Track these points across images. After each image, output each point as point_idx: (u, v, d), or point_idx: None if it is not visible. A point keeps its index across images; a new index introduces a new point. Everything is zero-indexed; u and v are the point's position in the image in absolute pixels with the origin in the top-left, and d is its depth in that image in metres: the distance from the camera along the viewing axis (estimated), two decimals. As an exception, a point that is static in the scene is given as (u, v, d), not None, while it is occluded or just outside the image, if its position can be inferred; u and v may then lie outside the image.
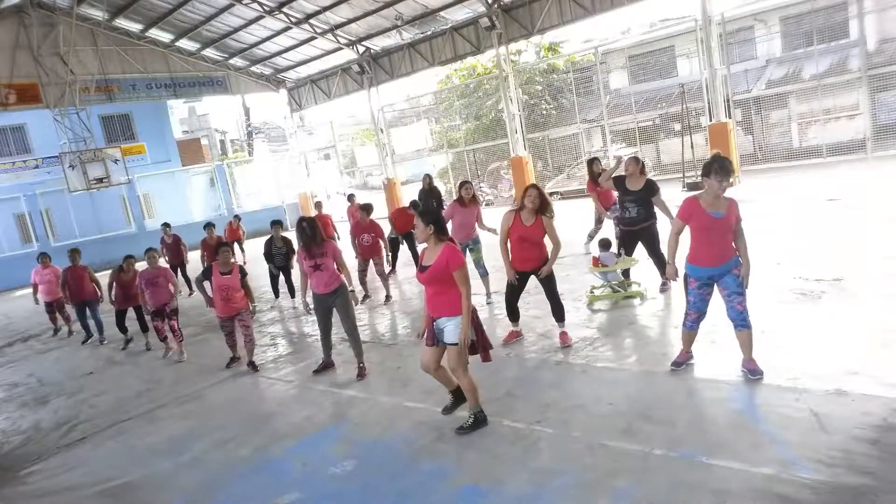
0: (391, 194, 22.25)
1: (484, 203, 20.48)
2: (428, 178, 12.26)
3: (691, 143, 15.60)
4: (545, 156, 21.61)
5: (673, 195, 14.53)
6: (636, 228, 6.97)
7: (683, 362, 4.80)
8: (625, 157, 8.05)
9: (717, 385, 4.47)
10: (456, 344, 4.22)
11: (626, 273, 7.25)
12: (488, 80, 23.71)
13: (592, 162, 9.56)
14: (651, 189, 6.91)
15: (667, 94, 20.11)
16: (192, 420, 5.74)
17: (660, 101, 20.03)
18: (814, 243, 7.91)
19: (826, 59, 17.15)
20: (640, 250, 7.17)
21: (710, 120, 14.92)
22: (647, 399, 4.45)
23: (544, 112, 23.56)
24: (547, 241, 5.70)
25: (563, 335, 5.89)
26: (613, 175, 7.49)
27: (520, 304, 6.11)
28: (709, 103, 14.92)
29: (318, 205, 13.99)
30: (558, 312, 5.88)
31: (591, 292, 7.21)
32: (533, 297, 7.66)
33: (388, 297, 9.11)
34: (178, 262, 12.48)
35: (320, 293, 5.99)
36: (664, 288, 6.96)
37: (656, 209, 6.98)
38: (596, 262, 7.05)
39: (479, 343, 4.35)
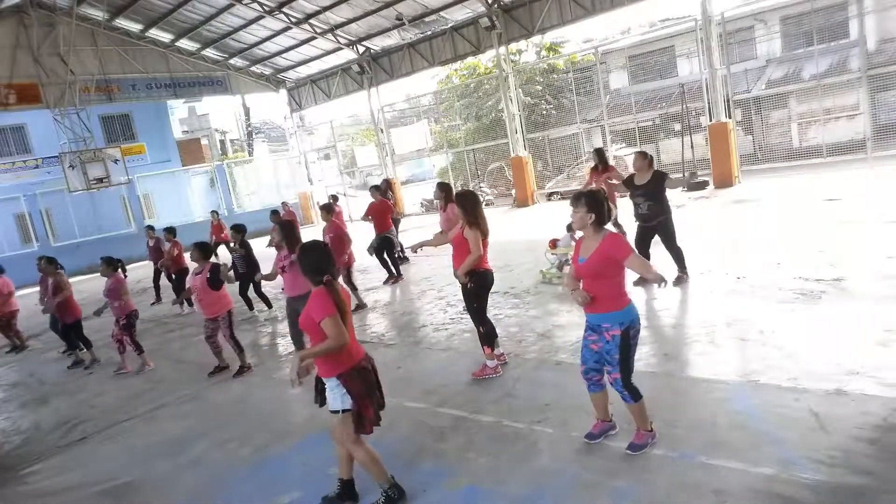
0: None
1: (484, 203, 20.50)
2: (385, 184, 11.81)
3: (691, 143, 15.61)
4: (545, 156, 21.61)
5: (672, 195, 14.58)
6: (651, 224, 7.00)
7: (598, 434, 3.93)
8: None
9: (717, 385, 4.47)
10: (335, 412, 3.51)
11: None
12: (488, 80, 23.71)
13: (600, 151, 9.66)
14: (658, 180, 6.92)
15: (667, 94, 20.11)
16: (192, 420, 5.74)
17: (660, 101, 20.02)
18: (814, 243, 7.90)
19: (826, 59, 17.15)
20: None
21: (710, 120, 14.91)
22: (647, 399, 4.43)
23: (544, 112, 23.57)
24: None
25: (483, 367, 5.38)
26: (625, 177, 7.55)
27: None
28: (709, 103, 14.91)
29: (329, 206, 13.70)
30: (480, 336, 5.40)
31: (542, 271, 7.98)
32: (532, 296, 7.68)
33: (358, 307, 8.51)
34: (159, 267, 11.97)
35: (287, 296, 6.15)
36: (678, 282, 7.05)
37: (668, 196, 7.04)
38: (553, 244, 7.50)
39: (357, 411, 3.52)
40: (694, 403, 4.29)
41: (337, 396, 3.50)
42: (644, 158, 7.02)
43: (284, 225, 6.25)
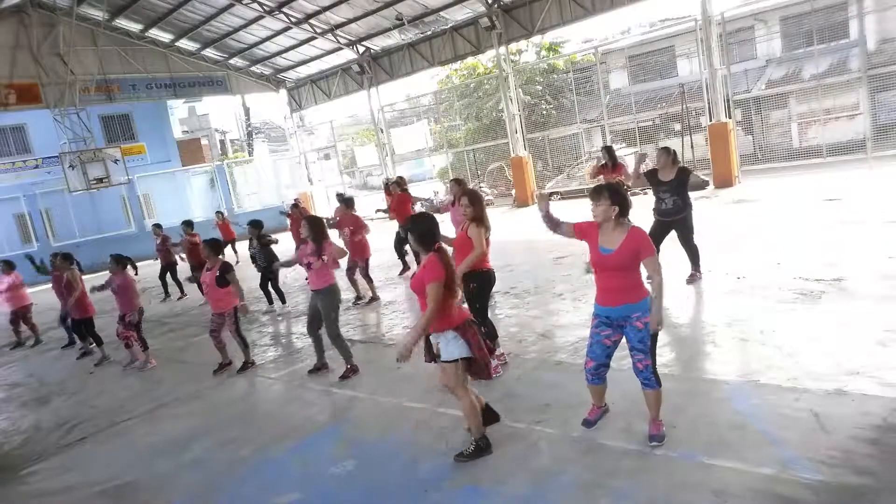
0: (391, 194, 22.26)
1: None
2: (399, 181, 12.05)
3: (691, 143, 15.61)
4: (545, 156, 21.61)
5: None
6: (673, 219, 7.00)
7: (594, 420, 4.07)
8: (638, 154, 8.13)
9: (717, 385, 4.47)
10: (449, 361, 3.89)
11: None
12: (488, 80, 23.71)
13: (610, 149, 9.56)
14: (683, 176, 6.95)
15: (667, 94, 20.12)
16: (192, 420, 5.74)
17: (660, 101, 20.04)
18: (814, 243, 7.90)
19: (826, 59, 17.15)
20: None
21: (710, 120, 14.91)
22: (647, 399, 4.45)
23: (544, 112, 23.56)
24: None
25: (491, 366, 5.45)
26: (644, 171, 7.48)
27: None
28: (709, 103, 14.91)
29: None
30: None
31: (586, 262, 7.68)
32: (532, 297, 7.68)
33: (372, 299, 9.00)
34: (166, 264, 12.37)
35: (310, 289, 6.22)
36: (691, 280, 7.04)
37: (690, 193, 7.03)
38: None
39: (477, 361, 3.90)
40: (694, 403, 4.28)
41: (455, 347, 3.84)
42: (668, 155, 7.02)
43: (311, 220, 6.24)
